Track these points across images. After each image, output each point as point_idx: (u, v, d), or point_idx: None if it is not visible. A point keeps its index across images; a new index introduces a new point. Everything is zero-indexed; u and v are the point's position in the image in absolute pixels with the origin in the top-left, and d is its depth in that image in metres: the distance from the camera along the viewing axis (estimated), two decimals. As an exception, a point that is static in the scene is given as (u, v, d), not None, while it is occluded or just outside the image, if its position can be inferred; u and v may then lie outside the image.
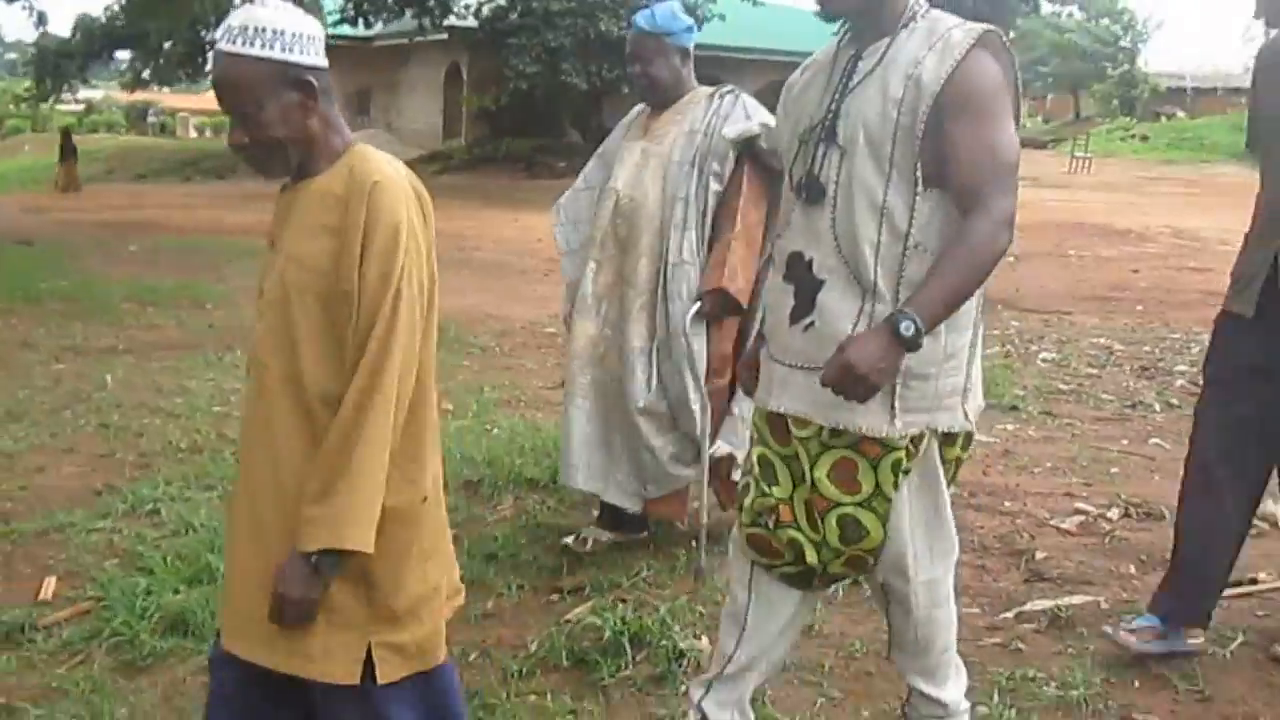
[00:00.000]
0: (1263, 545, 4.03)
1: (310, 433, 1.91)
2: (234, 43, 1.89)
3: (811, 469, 2.26)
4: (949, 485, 2.35)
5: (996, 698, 2.93)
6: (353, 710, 1.98)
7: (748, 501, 2.38)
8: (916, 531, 2.29)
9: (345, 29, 24.77)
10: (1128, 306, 9.73)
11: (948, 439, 2.29)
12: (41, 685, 3.03)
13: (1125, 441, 5.28)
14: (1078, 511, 4.37)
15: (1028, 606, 3.50)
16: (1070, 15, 40.76)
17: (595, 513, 4.00)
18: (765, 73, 26.08)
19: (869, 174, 2.17)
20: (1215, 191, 22.04)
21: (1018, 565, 3.87)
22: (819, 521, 2.27)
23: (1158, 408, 6.04)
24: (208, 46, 24.95)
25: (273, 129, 1.92)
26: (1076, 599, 3.55)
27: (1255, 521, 4.18)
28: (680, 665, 3.10)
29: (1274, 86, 3.09)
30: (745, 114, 3.54)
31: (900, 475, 2.23)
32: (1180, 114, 42.62)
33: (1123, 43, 45.37)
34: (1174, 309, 9.48)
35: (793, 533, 2.30)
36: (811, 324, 2.23)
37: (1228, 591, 3.58)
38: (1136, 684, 3.04)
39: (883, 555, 2.29)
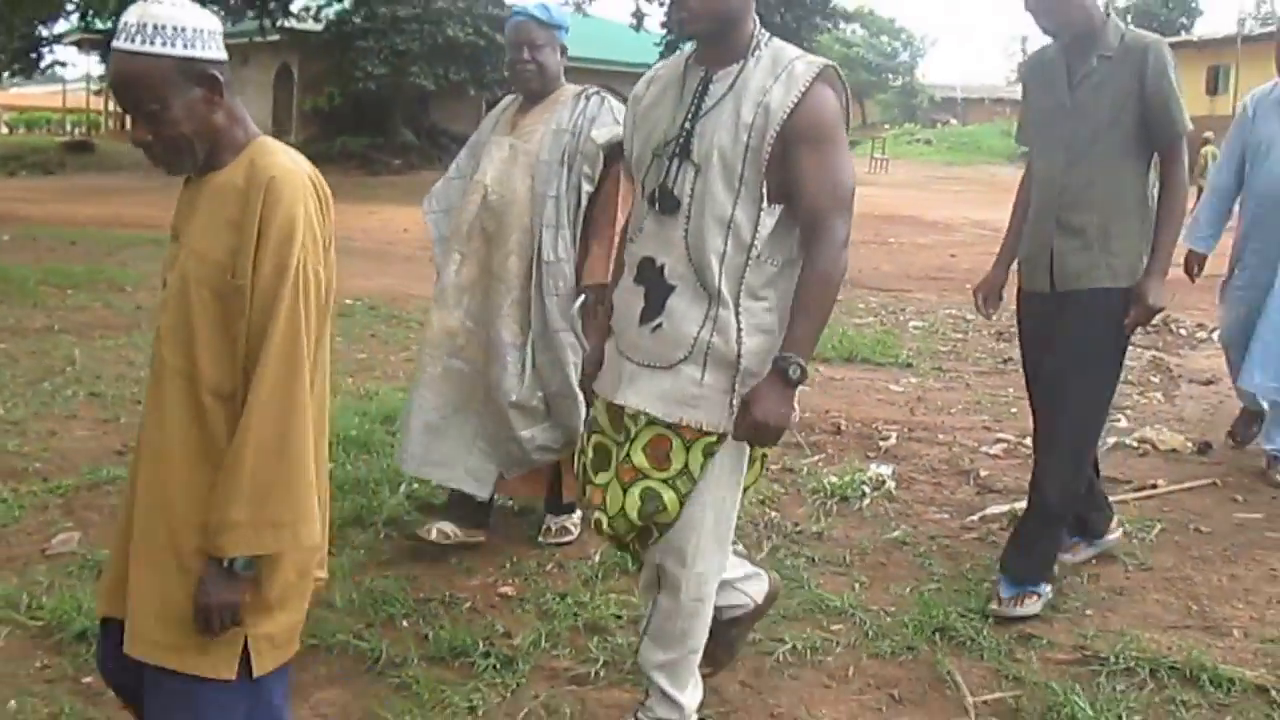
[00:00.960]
0: (1150, 461, 4.84)
1: (201, 427, 1.89)
2: (133, 40, 1.85)
3: (630, 444, 2.39)
4: (754, 480, 2.57)
5: (991, 572, 3.53)
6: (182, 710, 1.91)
7: (586, 492, 2.55)
8: (706, 519, 2.39)
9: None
10: (957, 285, 10.72)
11: None
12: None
13: (1010, 390, 6.06)
14: (999, 441, 5.12)
15: (988, 511, 4.18)
16: (854, 31, 43.26)
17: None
18: (591, 81, 27.21)
19: (720, 190, 2.31)
20: (995, 188, 23.99)
21: (967, 481, 4.57)
22: (623, 493, 2.37)
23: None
24: (43, 44, 23.54)
25: (178, 125, 1.88)
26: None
27: (1139, 443, 5.03)
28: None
29: (1037, 89, 3.50)
30: (613, 117, 3.54)
31: (708, 459, 2.36)
32: (953, 121, 46.02)
33: (902, 57, 48.64)
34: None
35: (599, 513, 2.45)
36: (660, 325, 2.35)
37: (1136, 495, 4.36)
38: (1094, 561, 3.72)
39: (669, 534, 2.40)
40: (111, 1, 17.72)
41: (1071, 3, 3.24)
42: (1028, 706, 2.83)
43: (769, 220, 2.31)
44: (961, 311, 8.86)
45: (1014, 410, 5.57)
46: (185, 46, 1.85)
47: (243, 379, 1.87)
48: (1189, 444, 5.05)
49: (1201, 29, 47.45)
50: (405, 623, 3.17)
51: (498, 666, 2.93)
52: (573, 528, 3.74)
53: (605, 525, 2.42)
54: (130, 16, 1.86)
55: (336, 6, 25.82)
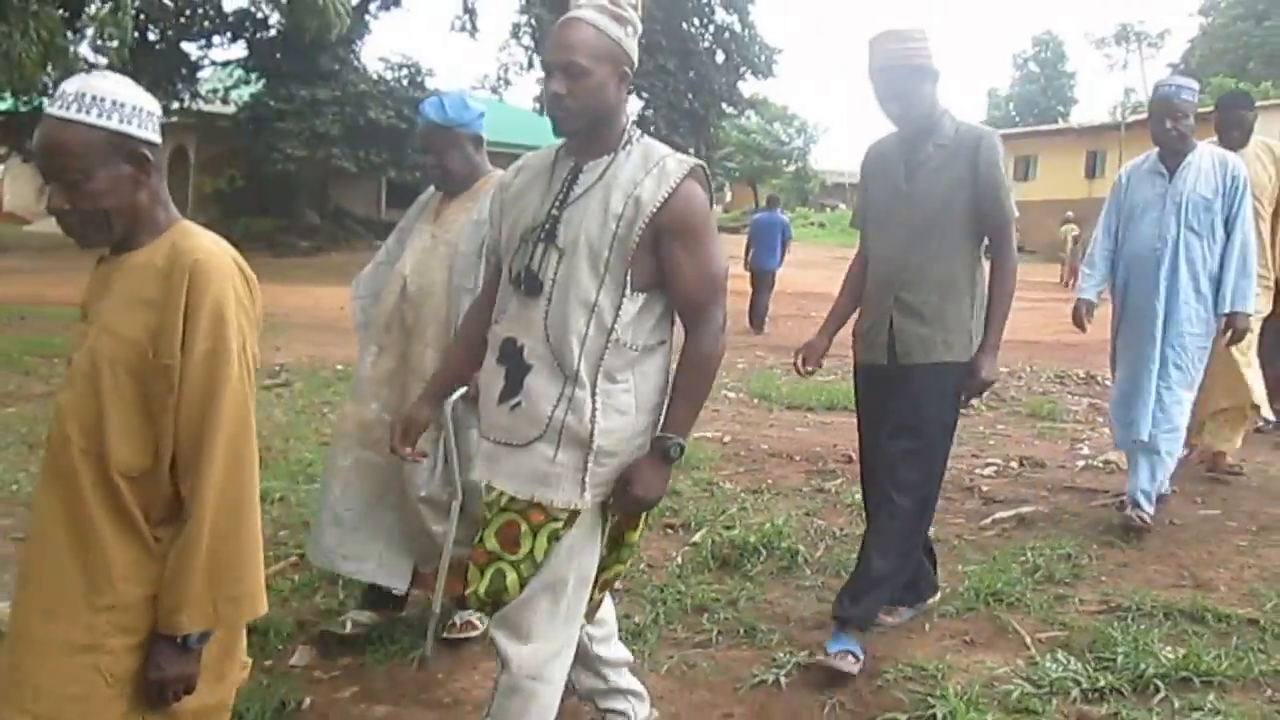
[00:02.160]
0: (1117, 477, 5.62)
1: (115, 506, 1.87)
2: (68, 109, 1.85)
3: (486, 527, 2.45)
4: (626, 560, 2.62)
5: (1016, 556, 4.25)
6: None
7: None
8: (542, 600, 2.42)
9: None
10: None
11: (630, 520, 2.53)
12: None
13: (982, 426, 6.85)
14: (989, 464, 5.90)
15: (997, 515, 4.90)
16: (749, 117, 45.23)
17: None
18: (504, 162, 28.14)
19: (584, 276, 2.36)
20: None
21: (972, 496, 5.30)
22: (480, 573, 2.44)
23: (984, 409, 7.73)
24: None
25: (99, 199, 1.87)
26: (1026, 509, 4.98)
27: (1104, 464, 5.83)
28: (797, 559, 4.25)
29: (876, 177, 3.62)
30: None
31: (552, 543, 2.40)
32: (842, 205, 48.13)
33: (796, 143, 50.86)
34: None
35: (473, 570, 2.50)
36: (518, 404, 2.38)
37: (1113, 500, 5.09)
38: (1095, 545, 4.47)
39: (506, 610, 2.43)
40: (39, 82, 17.68)
41: (922, 94, 3.40)
42: (1076, 640, 3.51)
43: (631, 307, 2.38)
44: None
45: (991, 441, 6.36)
46: (121, 121, 1.87)
47: (158, 460, 1.88)
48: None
49: (1079, 117, 51.06)
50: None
51: (629, 638, 3.43)
52: (479, 623, 3.54)
53: (471, 598, 2.49)
54: (70, 85, 1.88)
55: (246, 89, 26.16)
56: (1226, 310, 4.65)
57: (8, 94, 19.53)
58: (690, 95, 26.91)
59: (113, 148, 1.86)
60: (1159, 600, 3.79)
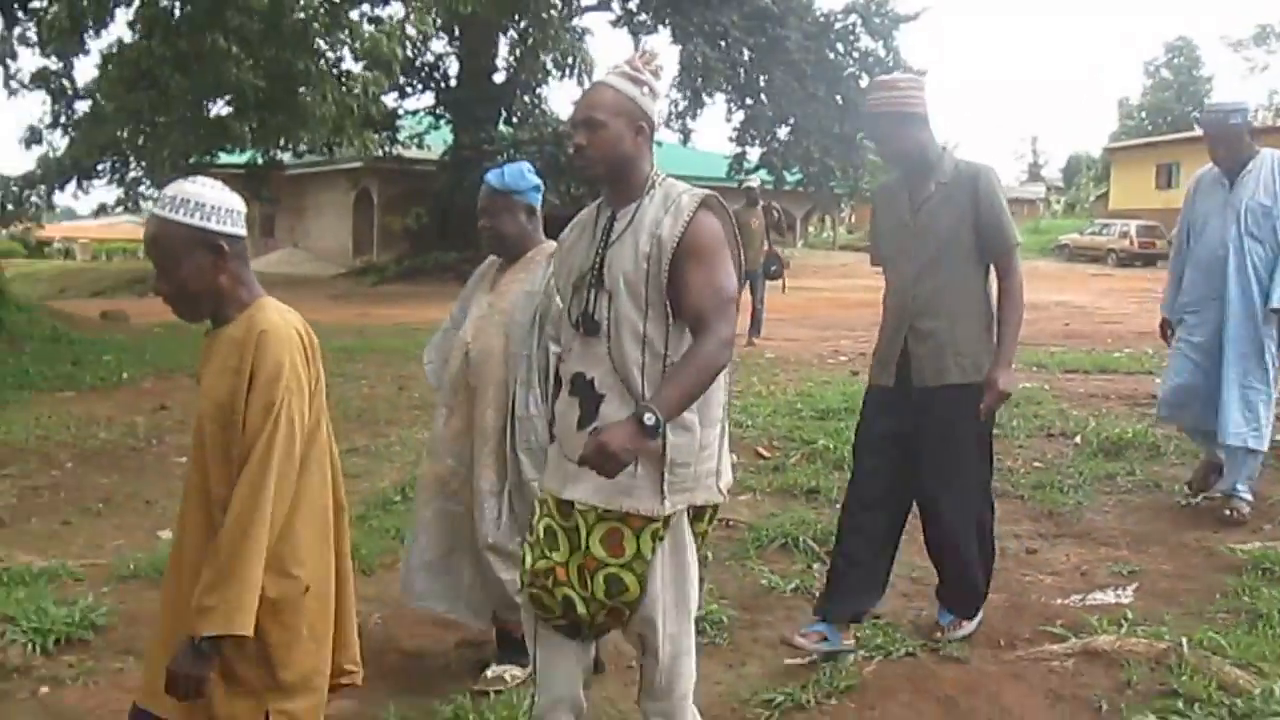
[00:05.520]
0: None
1: (209, 529, 2.19)
2: (164, 208, 2.17)
3: (587, 537, 2.63)
4: (699, 550, 2.79)
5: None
6: None
7: (528, 564, 2.73)
8: (666, 590, 2.65)
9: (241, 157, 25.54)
10: (1082, 341, 12.88)
11: (698, 514, 2.72)
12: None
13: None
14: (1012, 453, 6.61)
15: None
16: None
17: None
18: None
19: (631, 312, 2.58)
20: (1042, 277, 25.50)
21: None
22: (589, 580, 2.63)
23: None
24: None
25: (187, 283, 2.18)
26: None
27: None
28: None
29: (885, 211, 3.82)
30: None
31: (656, 542, 2.61)
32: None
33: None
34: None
35: (566, 590, 2.65)
36: (596, 429, 2.53)
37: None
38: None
39: (638, 609, 2.65)
40: (275, 135, 19.54)
41: (904, 138, 3.58)
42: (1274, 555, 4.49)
43: (678, 334, 2.60)
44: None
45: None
46: (203, 219, 2.17)
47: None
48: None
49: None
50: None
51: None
52: (509, 679, 3.66)
53: (578, 606, 2.66)
54: (168, 189, 2.21)
55: (436, 133, 28.14)
56: (1274, 305, 4.88)
57: (248, 148, 21.81)
58: (839, 120, 27.61)
59: (195, 240, 2.18)
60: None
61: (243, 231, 2.26)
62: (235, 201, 2.25)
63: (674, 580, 2.68)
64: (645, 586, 2.63)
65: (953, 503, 3.68)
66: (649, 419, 2.42)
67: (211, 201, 2.19)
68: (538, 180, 3.67)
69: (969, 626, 3.89)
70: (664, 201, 2.63)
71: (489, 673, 3.69)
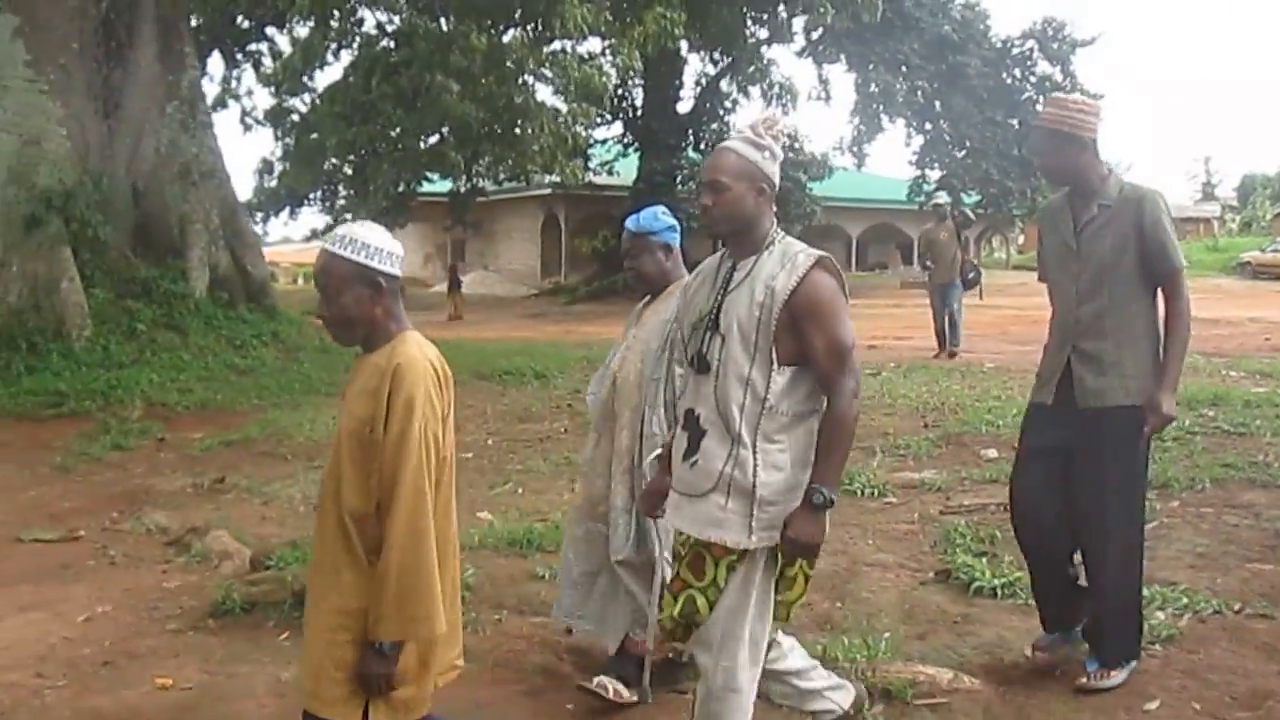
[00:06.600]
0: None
1: (345, 538, 2.40)
2: (333, 245, 2.42)
3: (680, 561, 2.86)
4: (797, 596, 2.89)
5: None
6: None
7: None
8: (728, 620, 2.77)
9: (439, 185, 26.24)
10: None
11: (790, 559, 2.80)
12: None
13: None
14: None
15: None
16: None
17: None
18: (867, 218, 34.00)
19: (739, 355, 2.74)
20: (1231, 295, 24.90)
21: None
22: (674, 599, 2.85)
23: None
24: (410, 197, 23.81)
25: (345, 311, 2.41)
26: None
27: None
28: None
29: (1049, 232, 3.81)
30: None
31: (730, 572, 2.76)
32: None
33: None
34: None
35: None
36: (696, 461, 2.77)
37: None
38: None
39: (700, 630, 2.81)
40: (494, 165, 20.65)
41: (1063, 157, 3.60)
42: None
43: (779, 379, 2.73)
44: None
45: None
46: (366, 257, 2.41)
47: (373, 507, 2.37)
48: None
49: None
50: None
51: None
52: (612, 692, 3.69)
53: (665, 622, 2.92)
54: (339, 229, 2.46)
55: (624, 161, 29.57)
56: None
57: (461, 176, 23.43)
58: (1017, 143, 27.86)
59: (357, 275, 2.41)
60: None
61: (399, 272, 2.49)
62: (395, 245, 2.49)
63: (736, 611, 2.78)
64: (714, 610, 2.79)
65: (1107, 523, 3.61)
66: (817, 499, 2.66)
67: (375, 243, 2.44)
68: (673, 220, 3.85)
69: (1118, 677, 3.65)
70: (781, 258, 2.78)
71: (598, 678, 3.76)
